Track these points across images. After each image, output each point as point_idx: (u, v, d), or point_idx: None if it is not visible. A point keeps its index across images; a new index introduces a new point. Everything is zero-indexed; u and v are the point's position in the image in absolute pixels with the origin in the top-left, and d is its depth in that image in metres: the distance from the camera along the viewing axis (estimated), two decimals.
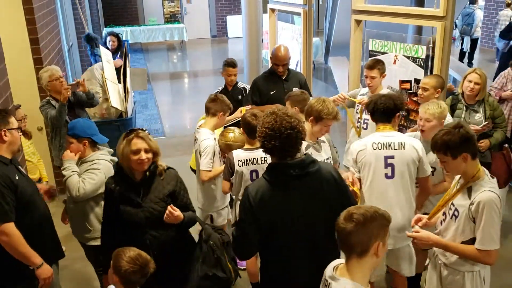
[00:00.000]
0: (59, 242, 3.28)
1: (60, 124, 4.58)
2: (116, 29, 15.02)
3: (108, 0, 16.75)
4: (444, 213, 2.83)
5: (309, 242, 2.46)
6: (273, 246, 2.48)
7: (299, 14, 6.18)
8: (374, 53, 5.20)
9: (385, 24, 5.17)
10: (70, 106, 4.75)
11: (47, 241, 3.11)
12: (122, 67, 6.22)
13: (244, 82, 6.92)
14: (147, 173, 2.86)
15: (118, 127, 5.55)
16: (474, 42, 11.97)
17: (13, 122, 2.96)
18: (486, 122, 4.16)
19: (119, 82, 6.13)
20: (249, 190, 2.42)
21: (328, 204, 2.45)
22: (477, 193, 2.54)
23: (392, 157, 3.18)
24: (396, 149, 3.19)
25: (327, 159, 3.46)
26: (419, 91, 4.13)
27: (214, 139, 3.87)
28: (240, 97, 5.09)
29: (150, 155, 2.83)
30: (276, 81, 4.71)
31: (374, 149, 3.22)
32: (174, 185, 2.95)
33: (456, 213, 2.69)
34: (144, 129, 2.92)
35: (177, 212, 2.83)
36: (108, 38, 7.33)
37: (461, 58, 11.98)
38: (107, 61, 6.00)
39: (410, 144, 3.22)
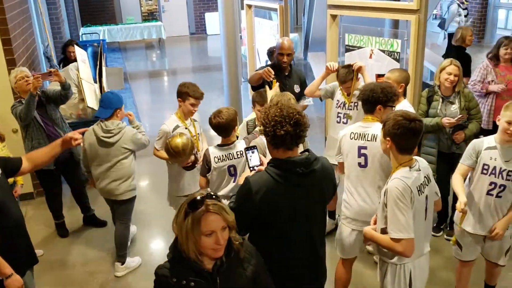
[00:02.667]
0: (33, 248, 3.21)
1: (28, 118, 4.40)
2: (93, 29, 14.88)
3: None
4: None
5: (307, 237, 2.50)
6: (271, 240, 2.45)
7: (275, 10, 6.18)
8: (350, 47, 5.21)
9: (361, 18, 5.19)
10: (41, 104, 4.60)
11: (20, 248, 3.01)
12: (98, 67, 6.13)
13: (224, 79, 6.93)
14: (218, 260, 2.02)
15: None
16: (451, 36, 12.01)
17: None
18: (461, 115, 4.21)
19: (95, 82, 6.06)
20: (251, 184, 2.34)
21: (323, 199, 2.53)
22: (389, 181, 2.64)
23: (365, 147, 3.24)
24: (369, 141, 3.23)
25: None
26: None
27: (178, 126, 3.98)
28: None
29: (227, 233, 1.98)
30: (278, 75, 4.59)
31: (351, 139, 3.29)
32: (256, 265, 2.12)
33: (379, 201, 2.78)
34: (213, 194, 2.03)
35: None
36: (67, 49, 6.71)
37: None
38: (82, 61, 5.92)
39: None
